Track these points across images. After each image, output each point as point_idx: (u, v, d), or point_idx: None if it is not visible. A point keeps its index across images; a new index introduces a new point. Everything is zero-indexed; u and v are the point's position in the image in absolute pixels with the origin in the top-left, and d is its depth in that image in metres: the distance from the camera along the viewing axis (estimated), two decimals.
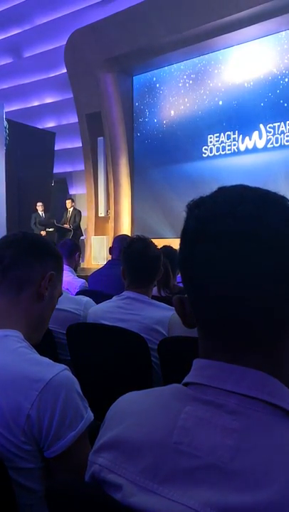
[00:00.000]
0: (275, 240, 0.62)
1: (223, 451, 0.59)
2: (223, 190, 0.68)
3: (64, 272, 1.42)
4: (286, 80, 9.31)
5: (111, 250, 4.00)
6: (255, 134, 9.74)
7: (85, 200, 12.40)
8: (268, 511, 0.54)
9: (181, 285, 3.34)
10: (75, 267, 4.06)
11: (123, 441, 0.68)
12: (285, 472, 0.56)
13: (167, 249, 3.55)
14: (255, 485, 0.56)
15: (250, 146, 9.85)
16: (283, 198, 0.67)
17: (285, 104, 9.30)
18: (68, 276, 3.67)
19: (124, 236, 4.36)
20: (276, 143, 9.49)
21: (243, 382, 0.63)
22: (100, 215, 12.02)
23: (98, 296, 2.75)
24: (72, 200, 11.24)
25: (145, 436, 0.66)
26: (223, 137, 10.24)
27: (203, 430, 0.62)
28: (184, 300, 0.70)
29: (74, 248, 4.02)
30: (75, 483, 0.72)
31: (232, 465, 0.58)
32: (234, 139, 10.08)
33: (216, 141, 10.35)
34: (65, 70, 12.06)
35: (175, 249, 3.63)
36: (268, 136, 9.59)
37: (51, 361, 1.10)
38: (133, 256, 2.25)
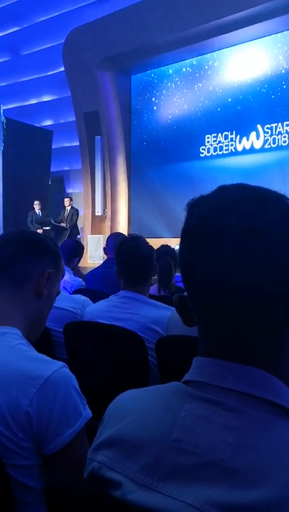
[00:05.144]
0: (276, 237, 0.62)
1: (223, 448, 0.60)
2: (223, 189, 0.68)
3: None
4: (284, 81, 9.32)
5: (105, 250, 3.97)
6: (253, 134, 9.75)
7: (82, 199, 12.37)
8: (268, 509, 0.54)
9: (179, 284, 3.35)
10: (73, 268, 4.02)
11: (123, 438, 0.68)
12: (285, 470, 0.56)
13: (167, 248, 3.56)
14: (255, 482, 0.56)
15: (248, 147, 9.85)
16: (284, 196, 0.67)
17: (283, 105, 9.31)
18: (65, 275, 3.64)
19: (117, 234, 4.33)
20: (273, 143, 9.50)
21: (243, 380, 0.63)
22: (96, 213, 12.00)
23: (95, 295, 2.74)
24: (71, 199, 11.23)
25: (145, 433, 0.66)
26: (220, 137, 10.24)
27: (203, 428, 0.62)
28: (185, 298, 0.70)
29: (76, 252, 3.96)
30: (73, 481, 0.71)
31: (232, 463, 0.58)
32: (232, 139, 10.08)
33: (214, 141, 10.35)
34: (63, 69, 12.03)
35: (173, 248, 3.65)
36: (265, 136, 9.60)
37: (50, 358, 1.10)
38: (124, 256, 2.24)
